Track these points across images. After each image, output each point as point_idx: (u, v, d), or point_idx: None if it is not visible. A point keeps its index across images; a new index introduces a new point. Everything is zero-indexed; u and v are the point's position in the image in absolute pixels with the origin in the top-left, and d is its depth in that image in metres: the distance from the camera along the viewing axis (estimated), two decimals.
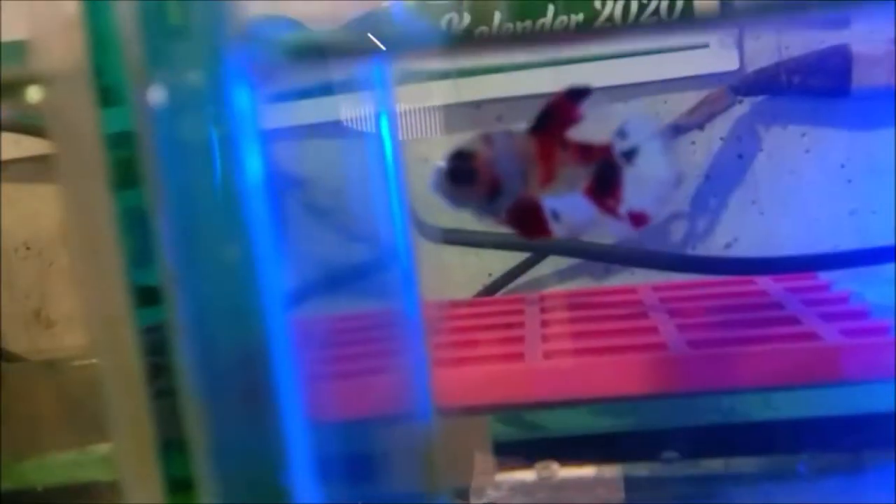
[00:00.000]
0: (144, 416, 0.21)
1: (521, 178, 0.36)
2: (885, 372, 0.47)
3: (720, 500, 0.45)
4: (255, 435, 0.22)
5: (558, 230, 0.36)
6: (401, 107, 0.79)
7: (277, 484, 0.22)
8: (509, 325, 0.64)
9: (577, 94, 0.36)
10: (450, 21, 0.85)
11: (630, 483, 0.46)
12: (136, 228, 0.21)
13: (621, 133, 0.36)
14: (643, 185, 0.36)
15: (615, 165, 0.36)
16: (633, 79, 0.81)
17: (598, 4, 0.83)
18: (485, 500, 0.47)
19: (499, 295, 0.82)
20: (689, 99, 0.80)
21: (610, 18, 0.84)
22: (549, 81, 0.83)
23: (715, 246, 0.82)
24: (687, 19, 0.76)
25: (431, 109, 0.81)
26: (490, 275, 0.83)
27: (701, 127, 0.79)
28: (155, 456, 0.22)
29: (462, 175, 0.35)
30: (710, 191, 0.82)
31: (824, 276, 0.69)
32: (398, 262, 0.38)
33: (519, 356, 0.55)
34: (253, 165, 0.22)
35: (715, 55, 0.80)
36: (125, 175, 0.21)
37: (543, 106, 0.36)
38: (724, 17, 0.64)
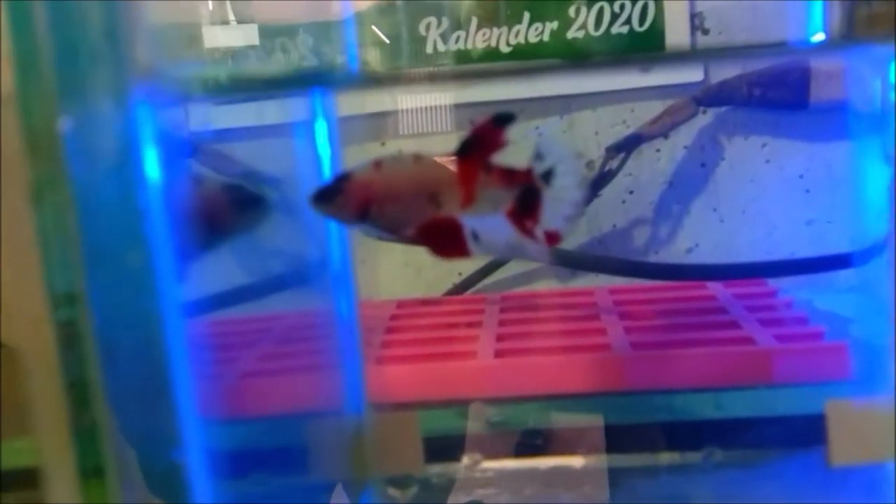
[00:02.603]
0: (62, 409, 0.24)
1: (421, 201, 0.37)
2: (812, 375, 0.50)
3: (632, 493, 0.48)
4: (154, 427, 0.24)
5: (477, 250, 0.38)
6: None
7: (174, 473, 0.24)
8: (469, 324, 0.66)
9: (502, 120, 0.38)
10: (428, 25, 0.88)
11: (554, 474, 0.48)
12: (54, 238, 0.23)
13: (538, 155, 0.38)
14: (556, 205, 0.37)
15: (536, 189, 0.38)
16: (601, 87, 0.84)
17: (571, 12, 0.85)
18: (471, 498, 0.49)
19: (468, 294, 0.84)
20: (656, 108, 0.82)
21: (583, 26, 0.86)
22: (522, 88, 0.85)
23: (677, 251, 0.84)
24: (658, 55, 0.79)
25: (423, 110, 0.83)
26: (460, 274, 0.85)
27: (665, 136, 0.82)
28: (70, 444, 0.24)
29: (326, 195, 0.37)
30: (674, 197, 0.84)
31: (777, 283, 0.71)
32: (331, 265, 0.40)
33: (472, 354, 0.58)
34: (153, 185, 0.24)
35: (681, 66, 0.83)
36: (44, 190, 0.23)
37: (469, 131, 0.38)
38: (693, 53, 0.67)
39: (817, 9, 0.39)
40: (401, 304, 0.72)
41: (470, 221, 0.37)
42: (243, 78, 0.36)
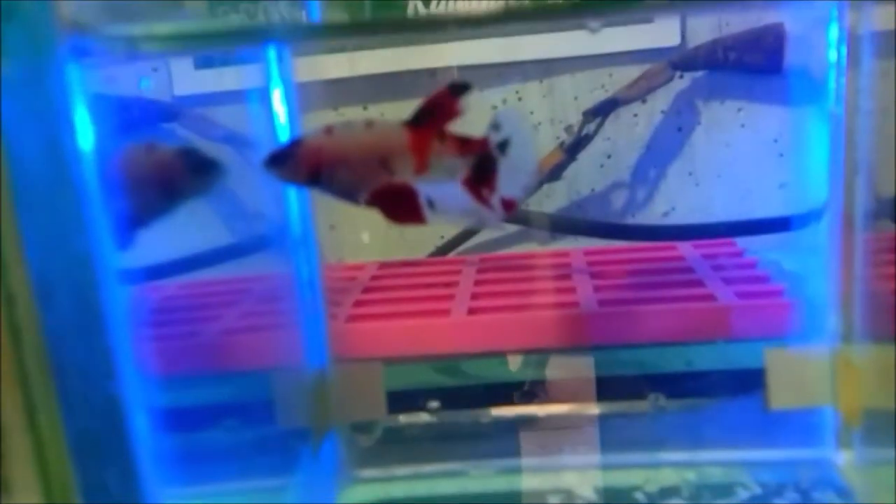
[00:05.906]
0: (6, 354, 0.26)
1: (372, 166, 0.39)
2: (769, 331, 0.52)
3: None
4: (91, 363, 0.26)
5: (432, 217, 0.39)
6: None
7: (120, 430, 0.26)
8: (446, 284, 0.68)
9: (458, 89, 0.39)
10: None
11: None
12: None
13: (495, 125, 0.39)
14: (512, 174, 0.39)
15: (492, 158, 0.39)
16: (578, 52, 0.85)
17: None
18: None
19: (450, 256, 0.86)
20: (634, 72, 0.83)
21: None
22: (498, 51, 0.86)
23: (653, 214, 0.86)
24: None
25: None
26: (442, 237, 0.87)
27: (643, 100, 0.83)
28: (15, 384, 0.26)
29: (278, 159, 0.39)
30: (651, 161, 0.86)
31: (746, 243, 0.73)
32: (290, 230, 0.42)
33: (446, 312, 0.60)
34: (85, 145, 0.25)
35: (658, 30, 0.83)
36: None
37: (425, 100, 0.39)
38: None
39: None
40: (382, 266, 0.74)
41: (425, 188, 0.39)
42: (191, 34, 0.36)
